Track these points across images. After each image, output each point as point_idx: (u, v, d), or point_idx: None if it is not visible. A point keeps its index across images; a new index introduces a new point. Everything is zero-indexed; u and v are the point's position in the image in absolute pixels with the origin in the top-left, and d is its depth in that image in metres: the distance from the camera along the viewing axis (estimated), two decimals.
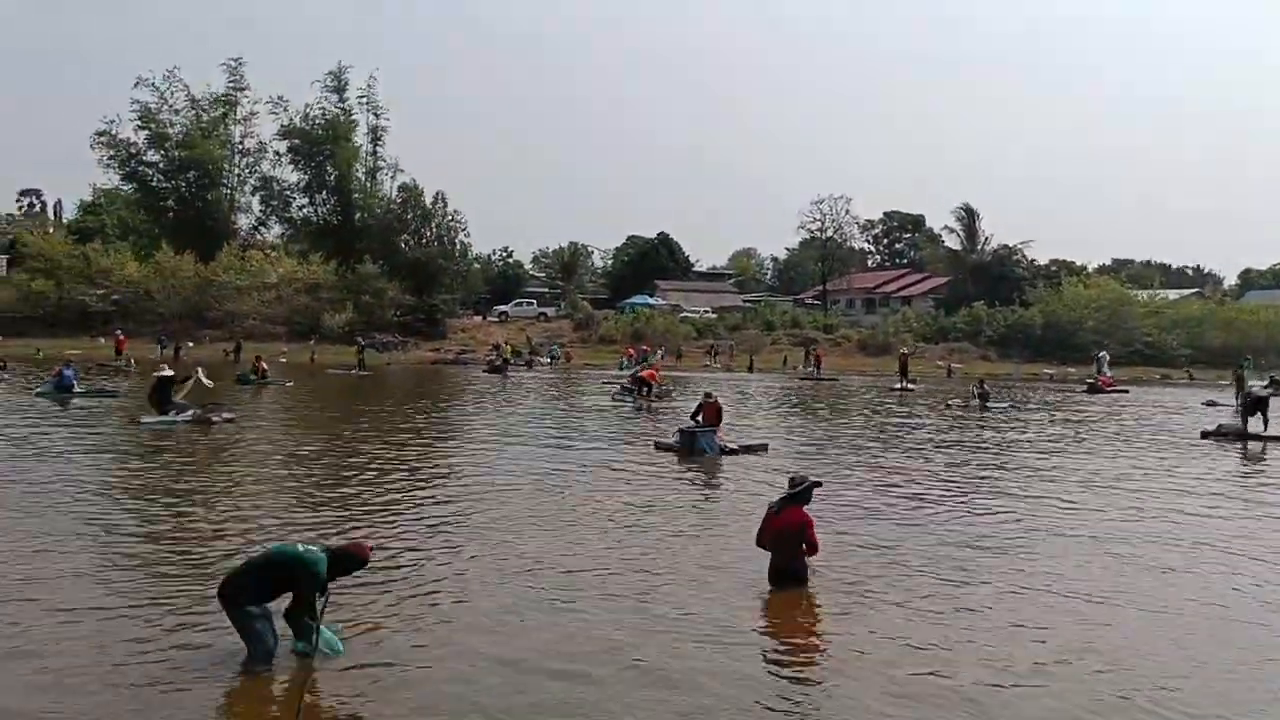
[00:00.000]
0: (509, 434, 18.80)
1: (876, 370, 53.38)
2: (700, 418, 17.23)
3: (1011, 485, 13.48)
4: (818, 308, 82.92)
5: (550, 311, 69.15)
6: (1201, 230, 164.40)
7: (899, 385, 36.98)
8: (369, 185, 65.78)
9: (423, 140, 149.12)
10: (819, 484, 8.34)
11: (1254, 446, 19.69)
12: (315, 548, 6.38)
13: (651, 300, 75.03)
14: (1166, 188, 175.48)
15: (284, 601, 6.23)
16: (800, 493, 8.05)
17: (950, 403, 29.74)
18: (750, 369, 52.74)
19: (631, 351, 53.73)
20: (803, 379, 45.63)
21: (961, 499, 12.34)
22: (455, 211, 65.95)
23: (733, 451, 16.29)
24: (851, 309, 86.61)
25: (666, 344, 59.17)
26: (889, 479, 13.93)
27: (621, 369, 47.25)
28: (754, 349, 59.56)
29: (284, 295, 58.36)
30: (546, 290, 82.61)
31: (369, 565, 6.77)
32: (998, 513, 11.48)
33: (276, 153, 65.12)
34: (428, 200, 64.40)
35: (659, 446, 16.84)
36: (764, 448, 17.02)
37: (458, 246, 65.93)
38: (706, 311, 73.16)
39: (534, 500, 11.65)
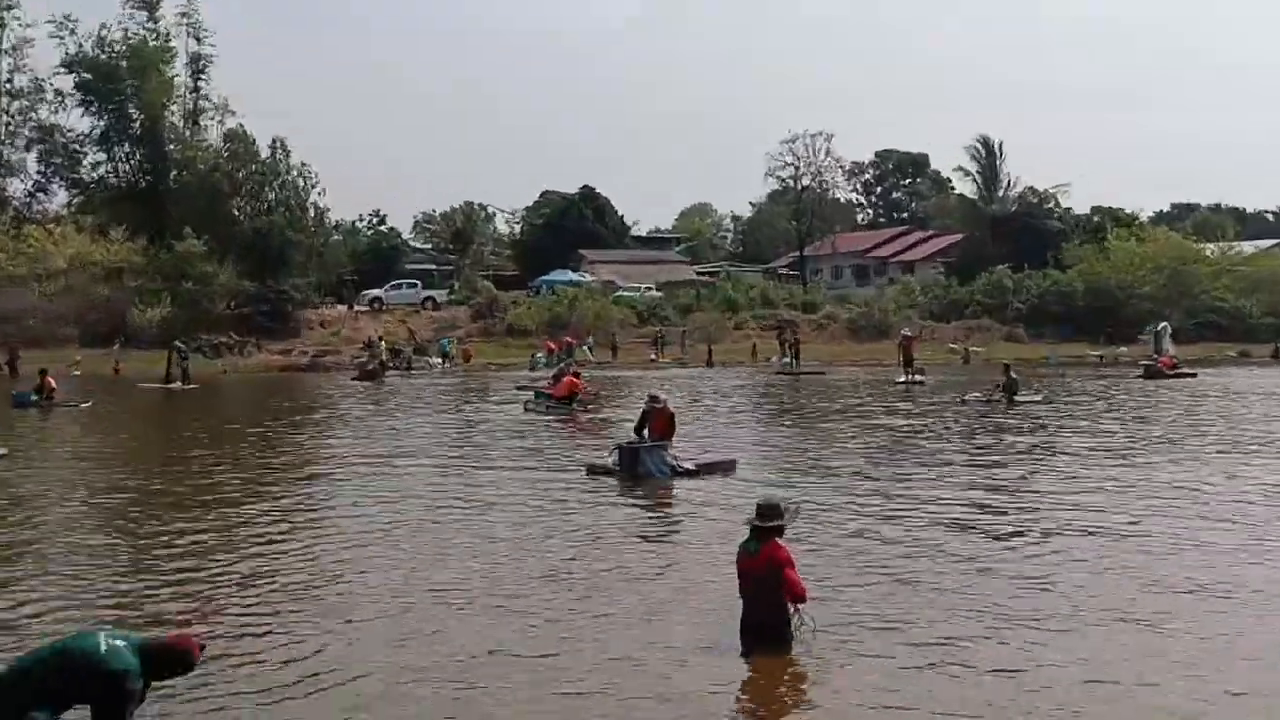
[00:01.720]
0: (389, 462, 18.58)
1: (873, 358, 54.05)
2: (646, 430, 17.20)
3: (1045, 511, 13.57)
4: (794, 279, 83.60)
5: (439, 295, 68.73)
6: None
7: (903, 378, 37.52)
8: (189, 134, 64.73)
9: (260, 73, 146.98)
10: (795, 510, 8.34)
11: None
12: (122, 642, 6.08)
13: (575, 276, 75.02)
14: (1240, 106, 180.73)
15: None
16: (773, 525, 8.06)
17: (967, 398, 30.18)
18: (709, 363, 53.02)
19: (551, 345, 53.67)
20: (778, 374, 46.01)
21: (983, 531, 12.45)
22: (304, 165, 65.31)
23: (689, 473, 16.27)
24: (838, 280, 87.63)
25: (597, 334, 59.20)
26: (891, 504, 14.02)
27: (535, 368, 47.12)
28: (712, 337, 59.94)
29: (75, 285, 56.99)
30: (434, 268, 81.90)
31: (199, 667, 6.54)
32: (1029, 549, 11.57)
33: (59, 93, 63.78)
34: (264, 150, 63.66)
35: (591, 471, 16.79)
36: (730, 466, 17.06)
37: (310, 212, 65.15)
38: (649, 289, 73.31)
39: (424, 554, 11.47)
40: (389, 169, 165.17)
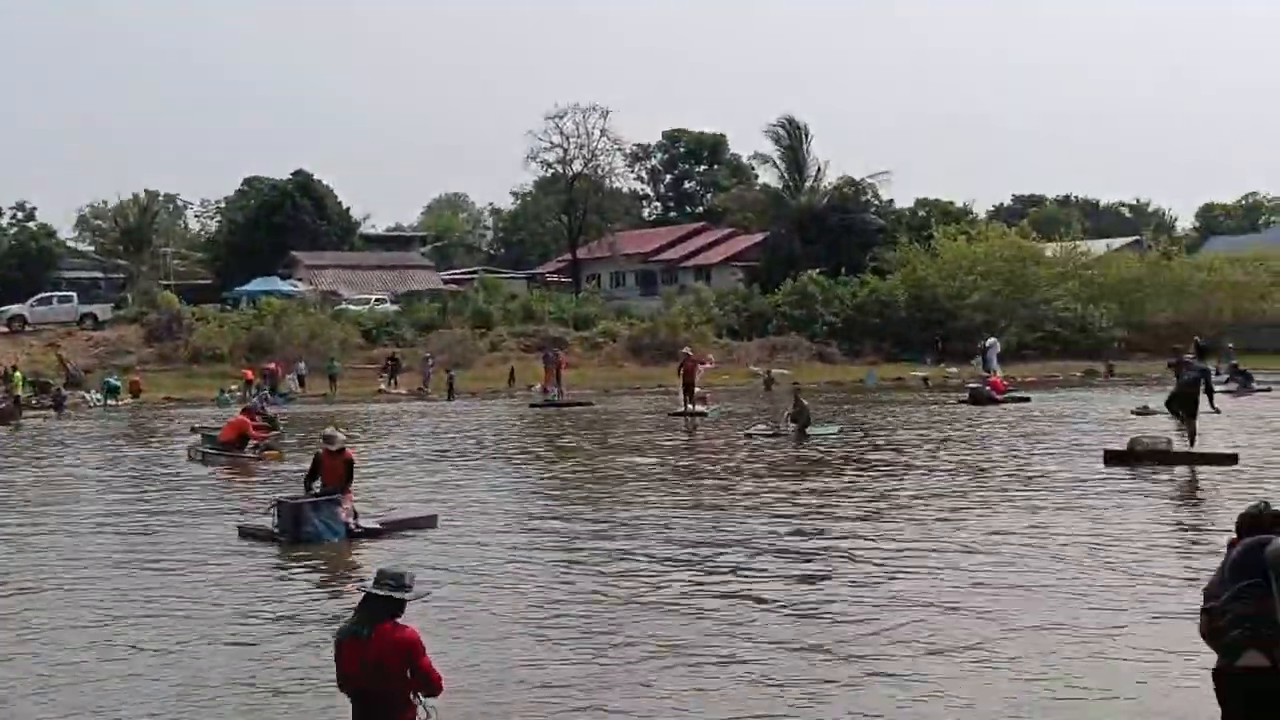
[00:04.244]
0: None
1: (660, 385, 54.67)
2: (320, 482, 17.00)
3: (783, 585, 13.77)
4: (568, 287, 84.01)
5: (102, 311, 66.39)
6: (1143, 152, 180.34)
7: (683, 408, 37.95)
8: None
9: None
10: (410, 592, 8.08)
11: (1182, 470, 21.76)
12: None
13: (286, 286, 74.17)
14: (1092, 92, 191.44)
15: None
16: (394, 599, 7.87)
17: (751, 431, 31.01)
18: (450, 394, 52.63)
19: (250, 374, 52.37)
20: (535, 405, 46.10)
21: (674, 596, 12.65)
22: None
23: (370, 533, 16.34)
24: (620, 287, 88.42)
25: (309, 359, 58.09)
26: (591, 572, 14.24)
27: (226, 404, 45.75)
28: (458, 360, 59.54)
29: None
30: (100, 275, 79.46)
31: None
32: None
33: None
34: None
35: (245, 534, 16.73)
36: (429, 523, 17.22)
37: None
38: (381, 300, 72.72)
39: None
40: (42, 147, 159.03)
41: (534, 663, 10.49)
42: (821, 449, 27.34)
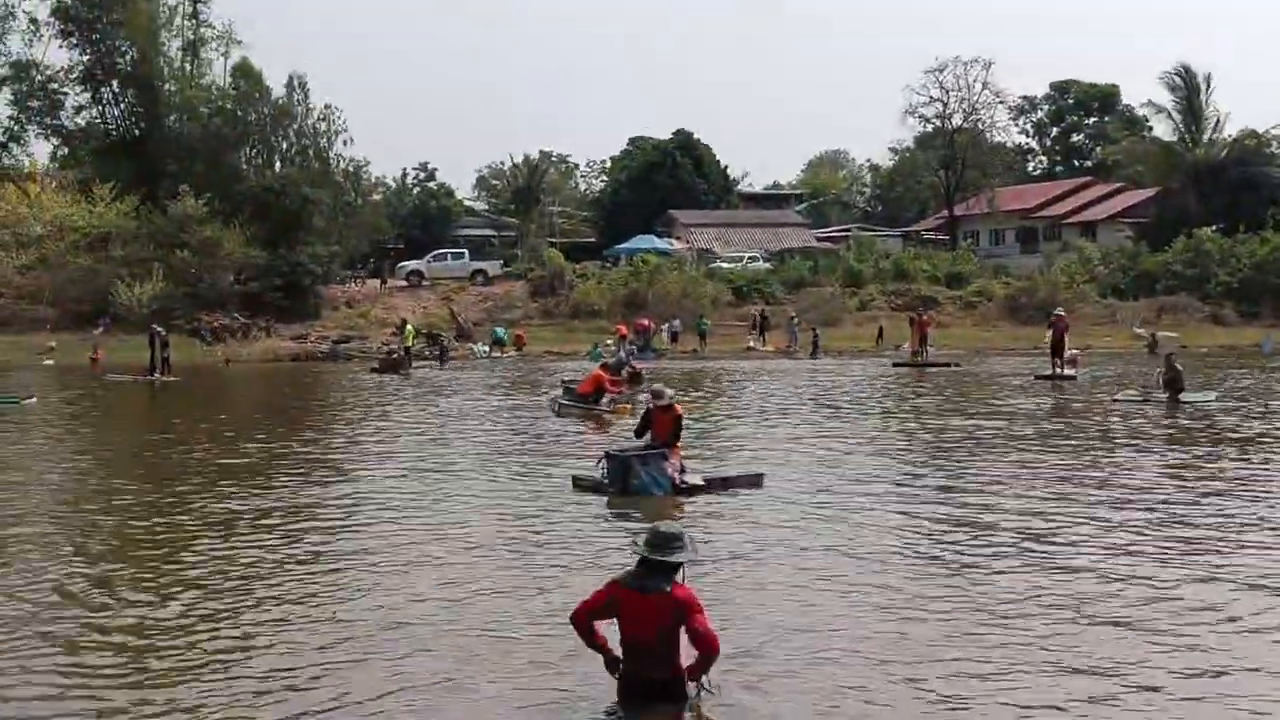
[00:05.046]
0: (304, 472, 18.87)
1: (1036, 346, 52.96)
2: (650, 435, 17.04)
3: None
4: (943, 245, 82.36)
5: (491, 268, 69.29)
6: None
7: (1051, 370, 36.71)
8: (188, 69, 65.80)
9: None
10: (684, 552, 7.97)
11: None
12: None
13: (662, 244, 75.20)
14: None
15: None
16: (673, 561, 7.79)
17: (1119, 396, 29.54)
18: (814, 352, 52.23)
19: (624, 330, 52.91)
20: (899, 365, 45.38)
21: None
22: (330, 107, 66.06)
23: (696, 489, 16.18)
24: (998, 245, 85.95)
25: (683, 316, 58.81)
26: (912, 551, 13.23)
27: (595, 357, 46.36)
28: (826, 318, 59.17)
29: (54, 256, 58.52)
30: (492, 234, 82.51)
31: None
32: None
33: (35, 21, 65.04)
34: (278, 89, 64.56)
35: (578, 484, 16.80)
36: (756, 481, 16.86)
37: (336, 164, 65.83)
38: (754, 258, 73.03)
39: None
40: (445, 112, 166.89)
41: (848, 651, 9.51)
42: (1193, 418, 25.68)
